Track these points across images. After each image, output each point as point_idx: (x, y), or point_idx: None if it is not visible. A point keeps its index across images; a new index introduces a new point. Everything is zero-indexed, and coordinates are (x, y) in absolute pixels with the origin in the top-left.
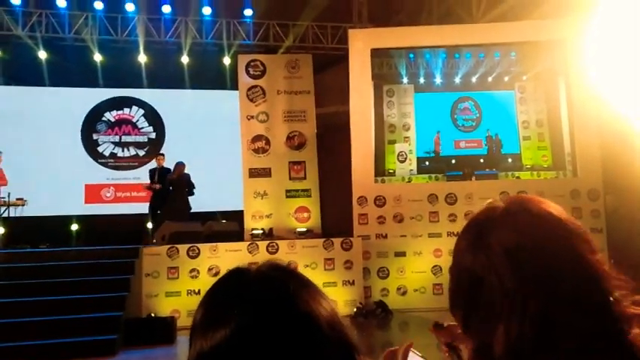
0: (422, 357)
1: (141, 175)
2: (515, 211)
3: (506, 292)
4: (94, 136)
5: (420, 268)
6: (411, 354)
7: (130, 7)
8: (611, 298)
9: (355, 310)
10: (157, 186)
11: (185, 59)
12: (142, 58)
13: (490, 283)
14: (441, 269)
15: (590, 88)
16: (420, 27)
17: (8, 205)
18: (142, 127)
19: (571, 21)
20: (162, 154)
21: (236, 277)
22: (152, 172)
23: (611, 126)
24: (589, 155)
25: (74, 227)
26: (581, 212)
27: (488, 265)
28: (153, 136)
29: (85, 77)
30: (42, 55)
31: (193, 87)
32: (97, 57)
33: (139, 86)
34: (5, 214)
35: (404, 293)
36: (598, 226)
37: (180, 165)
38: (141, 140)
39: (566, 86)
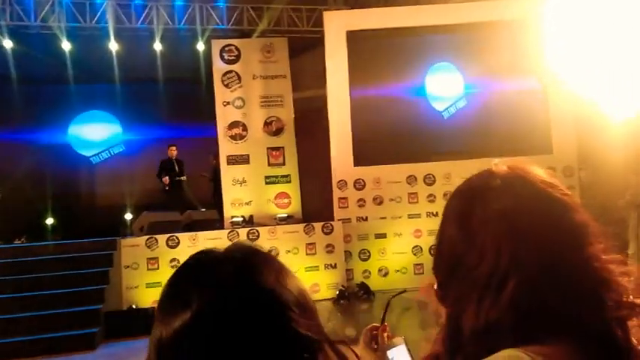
0: (410, 353)
1: None
2: (517, 182)
3: (485, 267)
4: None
5: (401, 249)
6: (402, 345)
7: None
8: (610, 289)
9: (338, 293)
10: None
11: (158, 46)
12: (113, 45)
13: (474, 256)
14: (421, 249)
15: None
16: (395, 8)
17: None
18: None
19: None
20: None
21: (198, 260)
22: (169, 163)
23: (583, 103)
24: (563, 132)
25: (49, 221)
26: None
27: (475, 236)
28: None
29: (54, 67)
30: (7, 44)
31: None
32: (66, 45)
33: (110, 74)
34: None
35: (385, 274)
36: None
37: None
38: None
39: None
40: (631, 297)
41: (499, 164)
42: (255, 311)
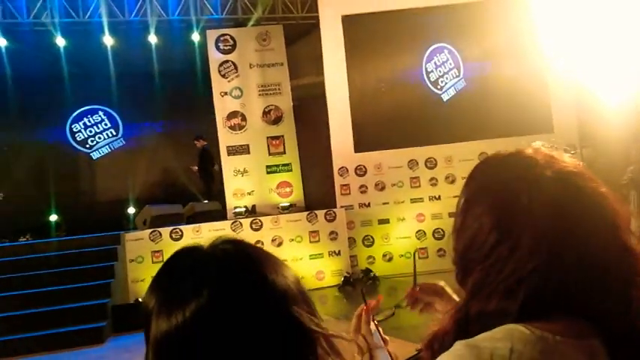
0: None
1: None
2: (568, 179)
3: (516, 260)
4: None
5: (404, 233)
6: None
7: None
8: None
9: (343, 279)
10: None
11: (153, 38)
12: (108, 40)
13: (502, 250)
14: (424, 233)
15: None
16: None
17: None
18: None
19: None
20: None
21: (188, 255)
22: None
23: (583, 80)
24: (564, 110)
25: (53, 218)
26: None
27: (513, 226)
28: None
29: (50, 63)
30: (1, 42)
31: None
32: (60, 41)
33: (106, 69)
34: None
35: (390, 259)
36: None
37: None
38: None
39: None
40: None
41: (537, 148)
42: (259, 303)
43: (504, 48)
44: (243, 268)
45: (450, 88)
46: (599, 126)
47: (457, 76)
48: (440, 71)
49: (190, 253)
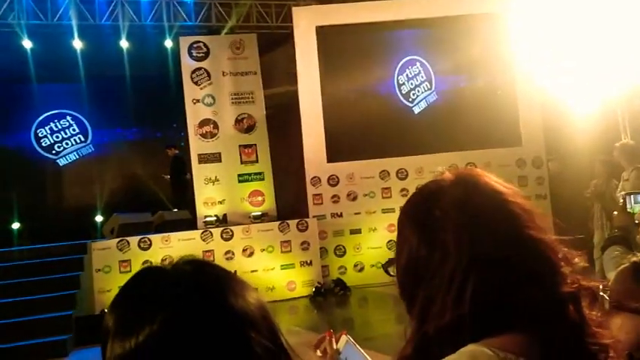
0: (356, 346)
1: None
2: (466, 182)
3: (449, 267)
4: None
5: (376, 243)
6: (348, 343)
7: None
8: (560, 276)
9: (314, 289)
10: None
11: (124, 43)
12: (77, 43)
13: (434, 260)
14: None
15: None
16: (366, 3)
17: None
18: None
19: None
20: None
21: (150, 275)
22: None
23: (551, 94)
24: (532, 124)
25: (16, 226)
26: (526, 180)
27: (436, 234)
28: None
29: (16, 65)
30: None
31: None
32: (27, 43)
33: (75, 73)
34: None
35: (361, 269)
36: (542, 193)
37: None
38: None
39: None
40: (578, 278)
41: (444, 172)
42: (215, 328)
43: (475, 62)
44: (201, 291)
45: (421, 100)
46: (565, 140)
47: (429, 89)
48: (412, 84)
49: (151, 274)
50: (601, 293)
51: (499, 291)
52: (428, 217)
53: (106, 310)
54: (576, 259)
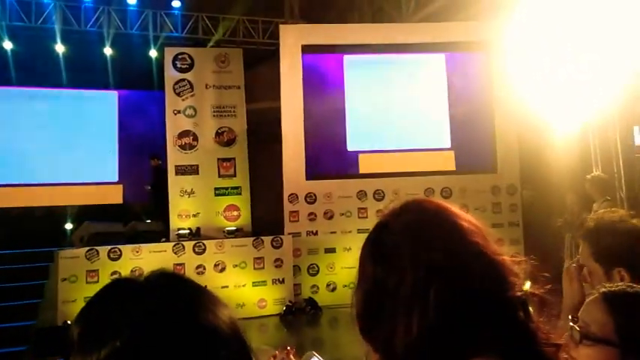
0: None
1: None
2: (411, 206)
3: (409, 284)
4: None
5: (350, 263)
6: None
7: None
8: (509, 285)
9: (285, 308)
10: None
11: (108, 51)
12: (60, 47)
13: (393, 282)
14: None
15: (509, 87)
16: (352, 25)
17: None
18: None
19: (493, 23)
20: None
21: (120, 288)
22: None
23: (528, 123)
24: (507, 152)
25: None
26: (500, 207)
27: (391, 258)
28: None
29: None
30: None
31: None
32: (7, 45)
33: (57, 77)
34: None
35: (333, 289)
36: (515, 220)
37: None
38: None
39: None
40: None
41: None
42: (182, 344)
43: (454, 89)
44: (171, 307)
45: None
46: (540, 169)
47: None
48: None
49: (121, 286)
50: (570, 324)
51: (461, 297)
52: (382, 245)
53: (69, 322)
54: (521, 265)
